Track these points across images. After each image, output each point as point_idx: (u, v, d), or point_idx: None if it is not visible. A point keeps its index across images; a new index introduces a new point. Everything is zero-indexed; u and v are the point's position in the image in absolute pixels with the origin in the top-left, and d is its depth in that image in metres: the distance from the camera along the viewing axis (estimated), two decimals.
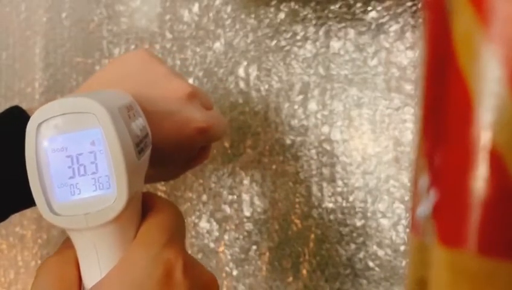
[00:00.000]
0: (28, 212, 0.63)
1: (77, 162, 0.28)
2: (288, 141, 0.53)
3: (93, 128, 0.28)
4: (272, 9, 0.53)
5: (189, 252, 0.56)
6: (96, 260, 0.29)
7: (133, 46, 0.59)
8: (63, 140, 0.28)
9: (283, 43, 0.53)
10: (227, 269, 0.55)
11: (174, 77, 0.38)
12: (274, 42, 0.53)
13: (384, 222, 0.49)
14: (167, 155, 0.37)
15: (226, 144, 0.55)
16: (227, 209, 0.55)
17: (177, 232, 0.31)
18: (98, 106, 0.27)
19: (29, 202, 0.32)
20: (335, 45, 0.51)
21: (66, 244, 0.30)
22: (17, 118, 0.32)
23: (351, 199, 0.50)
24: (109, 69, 0.38)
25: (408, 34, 0.48)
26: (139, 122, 0.31)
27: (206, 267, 0.32)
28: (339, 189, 0.51)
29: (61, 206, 0.28)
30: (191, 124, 0.37)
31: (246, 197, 0.54)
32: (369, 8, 0.49)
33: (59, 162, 0.28)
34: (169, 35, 0.58)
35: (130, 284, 0.27)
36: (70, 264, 0.30)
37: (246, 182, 0.54)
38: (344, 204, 0.50)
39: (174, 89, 0.37)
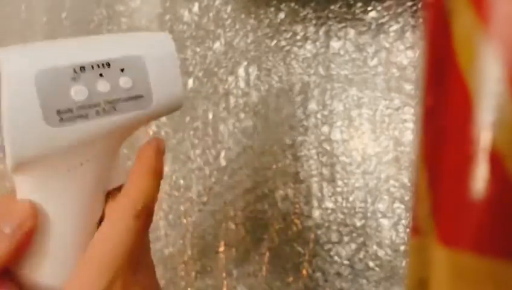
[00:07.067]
0: None
1: None
2: (288, 141, 0.52)
3: None
4: (272, 9, 0.53)
5: (190, 252, 0.56)
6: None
7: None
8: None
9: (283, 43, 0.53)
10: (227, 269, 0.55)
11: None
12: (274, 42, 0.53)
13: (384, 222, 0.49)
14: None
15: None
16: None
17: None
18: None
19: None
20: (335, 45, 0.51)
21: None
22: None
23: (351, 199, 0.50)
24: None
25: (408, 34, 0.48)
26: (93, 87, 0.28)
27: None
28: (339, 189, 0.50)
29: None
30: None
31: None
32: (369, 8, 0.49)
33: None
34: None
35: None
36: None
37: None
38: (344, 204, 0.50)
39: None
